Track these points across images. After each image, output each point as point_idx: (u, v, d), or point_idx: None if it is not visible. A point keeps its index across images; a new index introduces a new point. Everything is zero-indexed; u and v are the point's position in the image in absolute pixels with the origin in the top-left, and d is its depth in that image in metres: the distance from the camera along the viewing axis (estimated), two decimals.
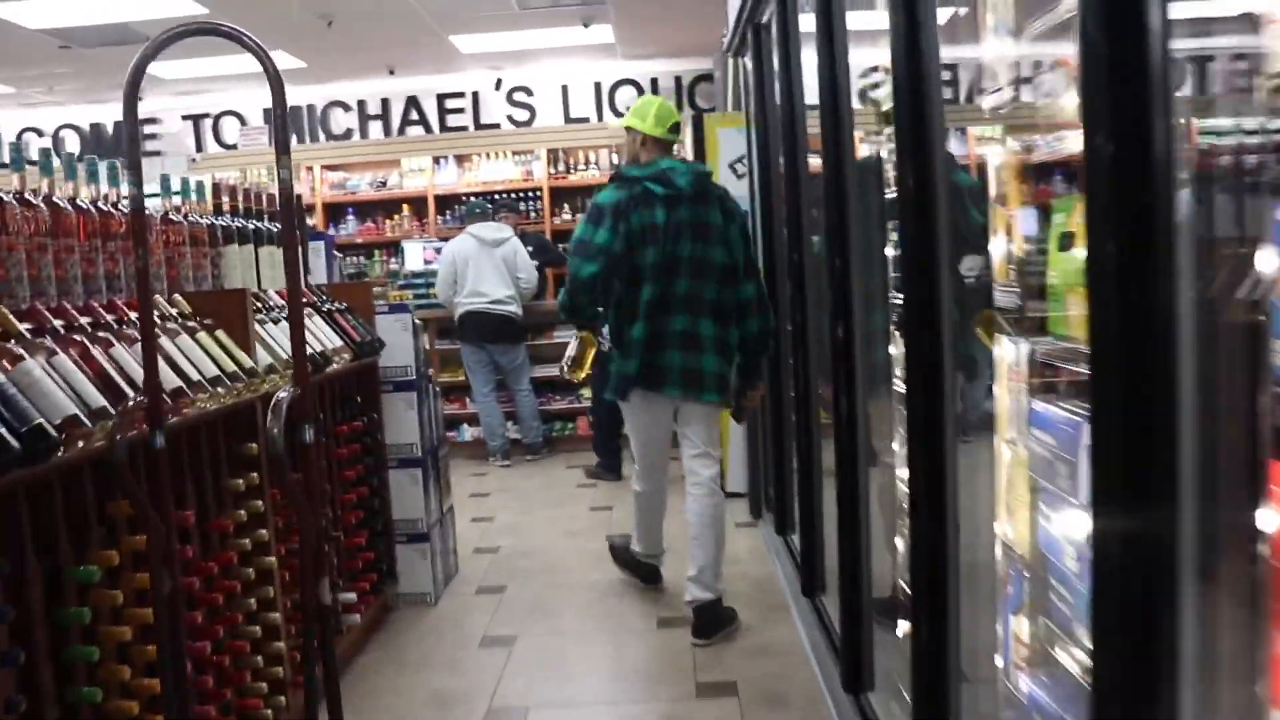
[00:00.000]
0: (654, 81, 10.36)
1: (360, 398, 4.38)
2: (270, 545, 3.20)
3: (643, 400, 4.16)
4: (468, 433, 8.38)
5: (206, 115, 10.72)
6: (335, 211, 10.70)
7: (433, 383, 4.98)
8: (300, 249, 4.34)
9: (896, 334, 2.67)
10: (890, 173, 2.56)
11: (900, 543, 2.82)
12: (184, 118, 10.72)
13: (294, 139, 10.59)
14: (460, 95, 10.53)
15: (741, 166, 6.34)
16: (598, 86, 10.40)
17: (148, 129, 10.69)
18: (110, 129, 10.76)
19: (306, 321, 3.91)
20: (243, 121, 10.68)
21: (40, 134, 10.91)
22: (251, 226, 3.97)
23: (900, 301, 2.36)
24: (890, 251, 2.78)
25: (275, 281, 4.05)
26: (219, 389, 2.82)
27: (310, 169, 10.62)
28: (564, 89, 10.44)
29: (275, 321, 3.67)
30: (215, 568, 2.90)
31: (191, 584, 2.70)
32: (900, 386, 2.50)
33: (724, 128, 6.44)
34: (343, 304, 4.42)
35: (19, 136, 10.90)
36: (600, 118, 10.37)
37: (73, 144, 10.84)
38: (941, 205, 2.14)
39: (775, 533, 5.15)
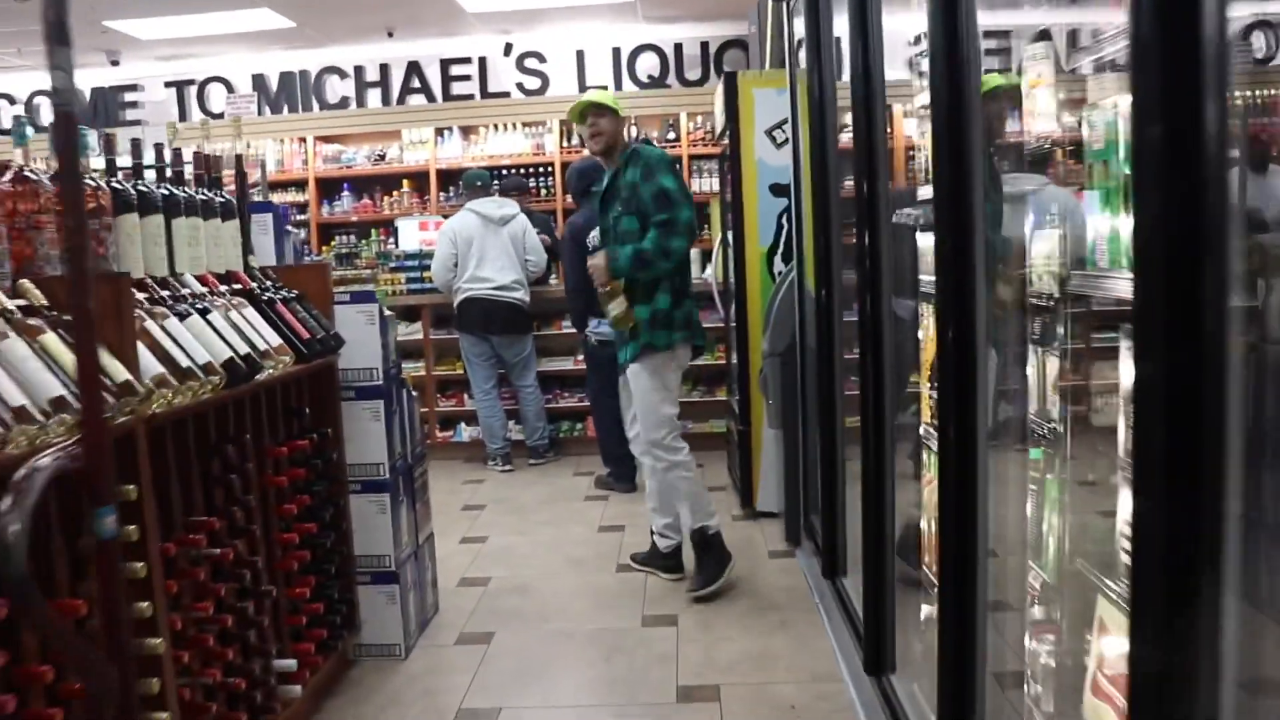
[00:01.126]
0: (678, 47, 9.46)
1: (310, 409, 3.52)
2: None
3: (682, 352, 4.43)
4: (465, 433, 7.54)
5: (191, 81, 9.88)
6: (329, 187, 9.85)
7: (406, 387, 4.13)
8: (237, 222, 3.50)
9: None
10: None
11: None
12: (167, 85, 9.88)
13: (285, 107, 9.76)
14: (466, 61, 9.66)
15: (781, 133, 5.45)
16: (616, 53, 9.50)
17: (128, 96, 9.89)
18: (88, 95, 9.92)
19: (232, 315, 3.07)
20: (230, 88, 9.83)
21: (12, 101, 10.11)
22: (162, 192, 3.12)
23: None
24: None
25: (199, 263, 3.21)
26: (50, 421, 1.97)
27: (303, 140, 9.77)
28: (579, 55, 9.55)
29: (184, 316, 2.83)
30: None
31: None
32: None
33: (761, 88, 5.55)
34: (293, 292, 3.58)
35: None
36: (619, 86, 9.48)
37: (47, 114, 10.02)
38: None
39: (823, 575, 4.27)
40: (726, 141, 5.88)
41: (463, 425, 7.56)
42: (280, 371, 3.18)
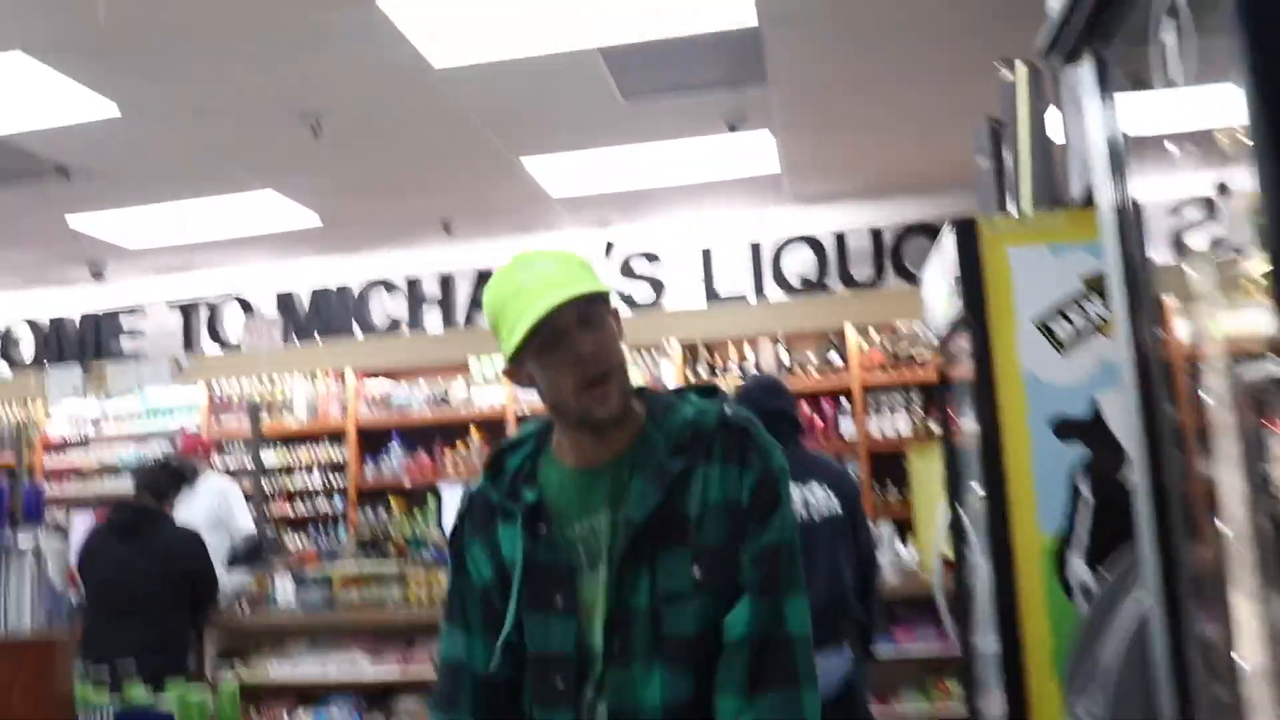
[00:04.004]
0: (840, 239, 7.27)
1: None
2: None
3: None
4: None
5: (199, 302, 8.05)
6: (375, 439, 7.77)
7: None
8: None
9: None
10: None
11: None
12: (171, 305, 8.07)
13: (317, 334, 7.81)
14: None
15: (1070, 324, 3.10)
16: (755, 250, 7.36)
17: (126, 323, 8.11)
18: (77, 323, 8.18)
19: None
20: (248, 309, 7.96)
21: None
22: None
23: None
24: None
25: None
26: None
27: (341, 376, 7.78)
28: (705, 254, 7.44)
29: None
30: None
31: None
32: None
33: (1023, 245, 3.23)
34: None
35: None
36: (760, 292, 7.30)
37: (28, 345, 8.31)
38: None
39: None
40: (947, 353, 3.57)
41: None
42: None
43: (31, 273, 7.67)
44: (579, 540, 1.75)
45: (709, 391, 1.88)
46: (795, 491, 3.89)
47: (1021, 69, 3.58)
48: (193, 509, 5.77)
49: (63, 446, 8.33)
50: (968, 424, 3.69)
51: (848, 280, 7.26)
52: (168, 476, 4.98)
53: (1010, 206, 3.65)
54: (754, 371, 7.07)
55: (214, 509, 6.08)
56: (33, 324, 8.28)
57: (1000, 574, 3.23)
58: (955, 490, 4.02)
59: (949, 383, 4.13)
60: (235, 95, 4.89)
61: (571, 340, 1.69)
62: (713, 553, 1.72)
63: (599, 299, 1.76)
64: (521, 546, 1.74)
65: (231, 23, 4.20)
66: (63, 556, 1.85)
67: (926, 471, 5.52)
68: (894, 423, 6.81)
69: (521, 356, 1.73)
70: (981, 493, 3.38)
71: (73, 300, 8.09)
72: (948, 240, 3.39)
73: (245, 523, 6.09)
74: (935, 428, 6.44)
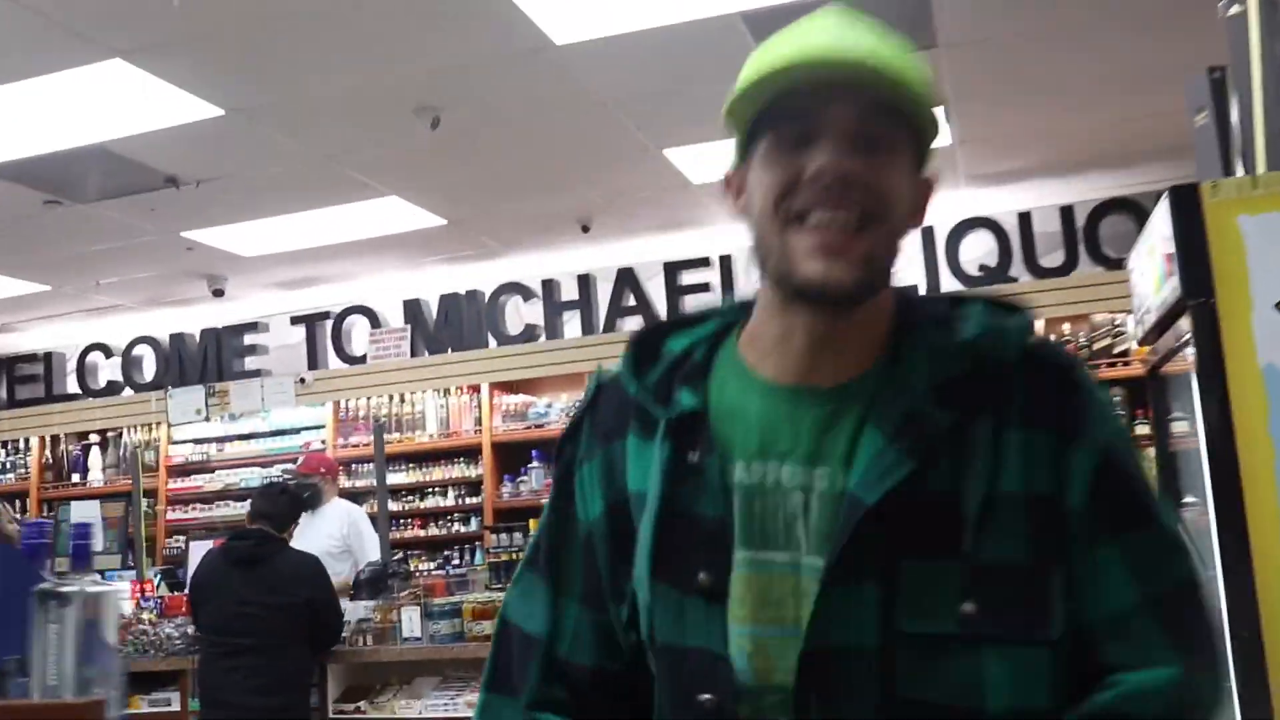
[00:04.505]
0: (1024, 219, 6.91)
1: None
2: None
3: None
4: None
5: (324, 315, 8.10)
6: (512, 455, 7.68)
7: None
8: None
9: None
10: None
11: None
12: (294, 320, 8.15)
13: (448, 345, 7.79)
14: (702, 264, 7.47)
15: None
16: (928, 234, 7.04)
17: (247, 338, 8.22)
18: (197, 338, 8.32)
19: None
20: (374, 321, 7.97)
21: (109, 353, 8.65)
22: None
23: None
24: None
25: None
26: None
27: (475, 390, 7.73)
28: None
29: None
30: None
31: None
32: None
33: (1257, 213, 2.93)
34: None
35: (82, 359, 8.70)
36: (935, 282, 6.98)
37: (149, 365, 8.49)
38: None
39: None
40: (1159, 345, 3.28)
41: None
42: None
43: (151, 291, 7.81)
44: (756, 493, 1.13)
45: (1008, 309, 1.19)
46: None
47: None
48: (317, 535, 5.75)
49: (185, 470, 8.48)
50: (1187, 427, 3.39)
51: (1034, 267, 6.91)
52: (287, 501, 4.96)
53: (1239, 170, 3.31)
54: None
55: (341, 536, 6.06)
56: (153, 342, 8.46)
57: (1235, 605, 2.91)
58: (1172, 506, 3.70)
59: (1162, 380, 3.80)
60: (344, 92, 4.83)
61: (826, 146, 1.09)
62: (1004, 576, 1.09)
63: (905, 122, 1.13)
64: (660, 475, 1.16)
65: (335, 15, 4.11)
66: (114, 605, 1.69)
67: None
68: None
69: (750, 142, 1.15)
70: (1209, 511, 3.08)
71: (193, 317, 8.24)
72: (1160, 212, 3.08)
73: (373, 550, 6.03)
74: (1144, 431, 6.05)
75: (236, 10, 4.02)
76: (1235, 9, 3.18)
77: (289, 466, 7.49)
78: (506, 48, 4.49)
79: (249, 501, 5.23)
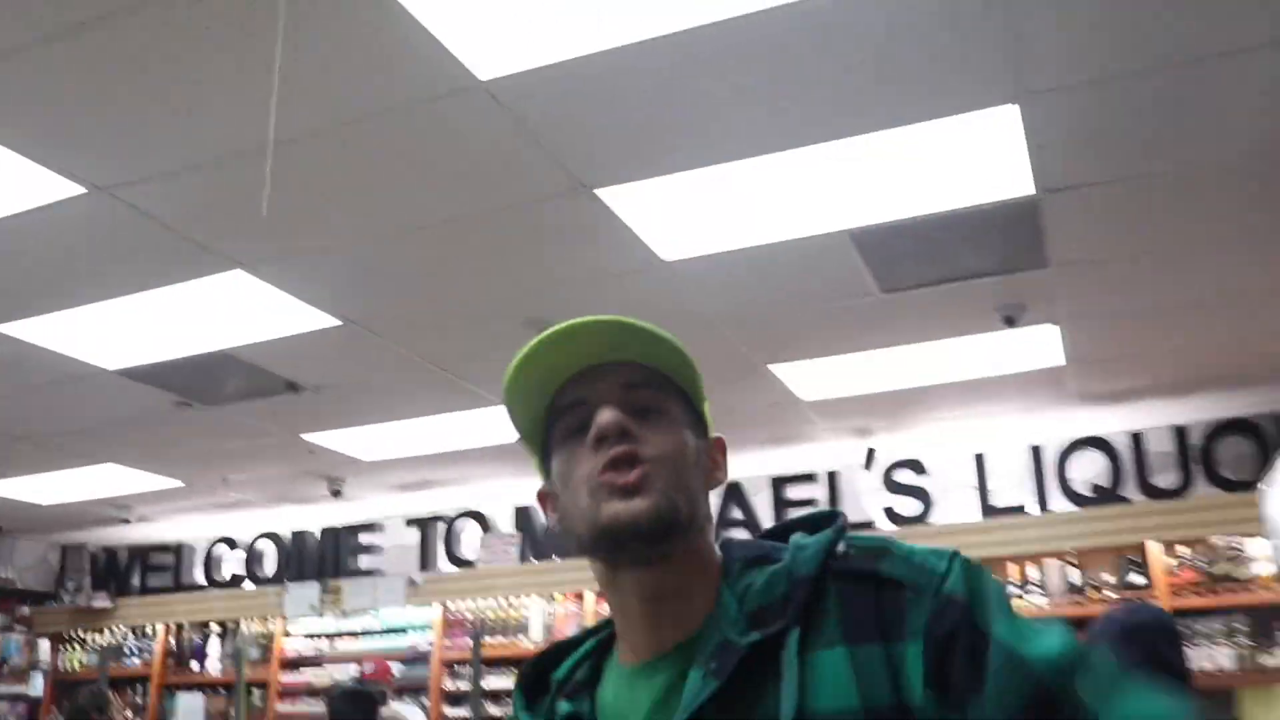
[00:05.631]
0: (1137, 440, 6.72)
1: None
2: None
3: None
4: None
5: (438, 519, 8.17)
6: None
7: None
8: None
9: None
10: None
11: None
12: (409, 523, 8.24)
13: (554, 553, 7.78)
14: (808, 479, 7.40)
15: None
16: (1036, 453, 6.88)
17: (363, 538, 8.31)
18: (317, 536, 8.45)
19: None
20: (485, 525, 8.01)
21: (233, 545, 8.82)
22: None
23: None
24: None
25: None
26: None
27: (579, 596, 7.67)
28: (979, 459, 7.01)
29: None
30: None
31: None
32: None
33: None
34: None
35: (210, 551, 8.88)
36: (1043, 504, 6.80)
37: (270, 560, 8.63)
38: None
39: None
40: None
41: None
42: None
43: (275, 489, 7.99)
44: None
45: (824, 519, 1.20)
46: None
47: None
48: None
49: (297, 663, 8.50)
50: None
51: (1147, 488, 6.65)
52: (366, 703, 5.03)
53: None
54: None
55: None
56: (276, 538, 8.62)
57: None
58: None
59: None
60: (456, 304, 4.91)
61: (601, 410, 1.16)
62: None
63: (669, 382, 1.21)
64: None
65: (446, 230, 4.20)
66: None
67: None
68: (1213, 655, 6.06)
69: (546, 459, 1.22)
70: None
71: (314, 515, 8.39)
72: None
73: None
74: (1272, 664, 5.74)
75: (353, 226, 4.14)
76: None
77: (352, 670, 7.67)
78: (615, 263, 4.53)
79: (326, 701, 5.31)
